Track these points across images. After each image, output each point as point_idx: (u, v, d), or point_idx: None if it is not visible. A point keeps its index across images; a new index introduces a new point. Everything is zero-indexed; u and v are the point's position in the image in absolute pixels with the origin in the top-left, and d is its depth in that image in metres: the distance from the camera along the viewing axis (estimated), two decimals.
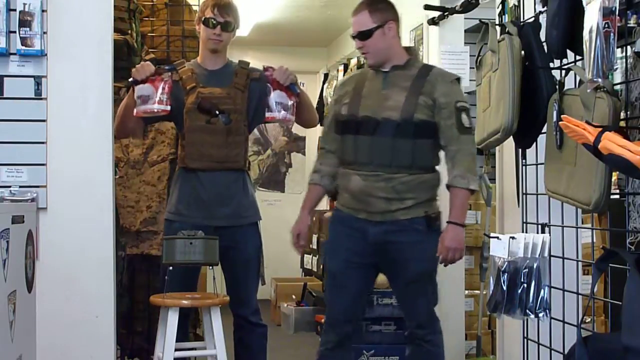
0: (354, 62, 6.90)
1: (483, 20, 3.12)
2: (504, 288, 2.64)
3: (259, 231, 3.73)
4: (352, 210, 3.29)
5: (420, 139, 3.21)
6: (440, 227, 3.25)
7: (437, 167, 3.30)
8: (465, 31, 5.07)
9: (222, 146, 3.54)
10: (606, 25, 2.09)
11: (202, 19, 3.58)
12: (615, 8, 2.10)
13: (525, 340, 2.99)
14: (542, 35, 2.73)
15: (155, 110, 3.38)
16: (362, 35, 3.27)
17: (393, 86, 3.28)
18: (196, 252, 3.30)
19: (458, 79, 3.34)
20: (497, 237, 2.73)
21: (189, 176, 3.57)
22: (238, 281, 3.58)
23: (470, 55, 4.59)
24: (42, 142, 3.23)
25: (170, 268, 3.33)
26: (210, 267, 3.41)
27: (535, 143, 2.88)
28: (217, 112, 3.53)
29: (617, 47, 2.15)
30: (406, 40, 5.52)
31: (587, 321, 2.88)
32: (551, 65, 2.74)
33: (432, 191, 3.27)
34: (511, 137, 2.79)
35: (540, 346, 2.92)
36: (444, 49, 4.68)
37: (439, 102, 3.22)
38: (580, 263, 3.01)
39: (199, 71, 3.65)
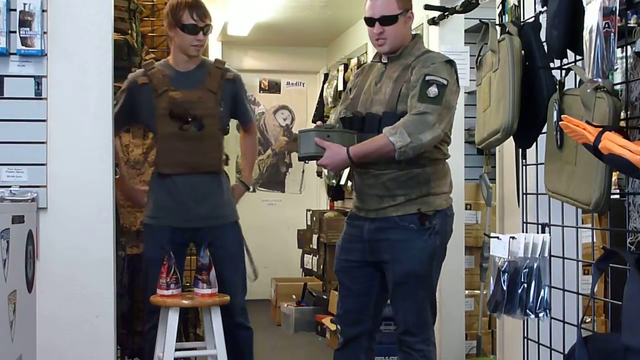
0: (354, 62, 6.90)
1: (483, 20, 3.11)
2: (504, 288, 2.63)
3: (239, 230, 3.72)
4: (355, 209, 3.26)
5: None
6: (439, 226, 3.10)
7: (432, 160, 3.12)
8: (465, 31, 5.07)
9: (195, 152, 3.53)
10: (606, 25, 2.09)
11: (181, 25, 3.53)
12: (616, 8, 2.10)
13: (526, 340, 2.99)
14: (542, 35, 2.73)
15: None
16: (386, 20, 3.04)
17: (385, 78, 3.15)
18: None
19: (449, 62, 3.09)
20: (497, 237, 2.72)
21: (164, 181, 3.59)
22: (220, 280, 3.55)
23: (470, 55, 4.60)
24: (42, 142, 3.23)
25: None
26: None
27: (535, 143, 2.88)
28: (189, 119, 3.51)
29: (617, 47, 2.15)
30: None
31: (587, 321, 2.88)
32: (551, 65, 2.74)
33: (426, 187, 3.09)
34: (511, 137, 2.79)
35: (540, 346, 2.91)
36: (444, 49, 4.69)
37: (412, 84, 3.03)
38: (580, 263, 3.00)
39: (169, 72, 3.61)
